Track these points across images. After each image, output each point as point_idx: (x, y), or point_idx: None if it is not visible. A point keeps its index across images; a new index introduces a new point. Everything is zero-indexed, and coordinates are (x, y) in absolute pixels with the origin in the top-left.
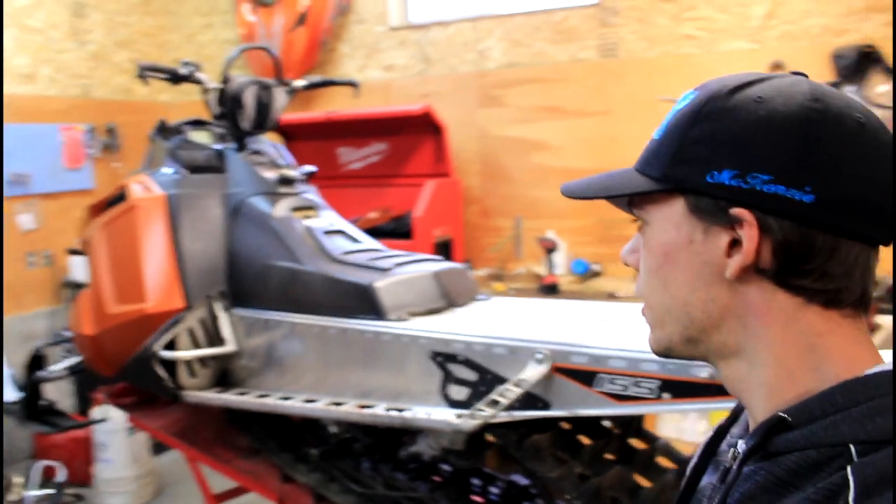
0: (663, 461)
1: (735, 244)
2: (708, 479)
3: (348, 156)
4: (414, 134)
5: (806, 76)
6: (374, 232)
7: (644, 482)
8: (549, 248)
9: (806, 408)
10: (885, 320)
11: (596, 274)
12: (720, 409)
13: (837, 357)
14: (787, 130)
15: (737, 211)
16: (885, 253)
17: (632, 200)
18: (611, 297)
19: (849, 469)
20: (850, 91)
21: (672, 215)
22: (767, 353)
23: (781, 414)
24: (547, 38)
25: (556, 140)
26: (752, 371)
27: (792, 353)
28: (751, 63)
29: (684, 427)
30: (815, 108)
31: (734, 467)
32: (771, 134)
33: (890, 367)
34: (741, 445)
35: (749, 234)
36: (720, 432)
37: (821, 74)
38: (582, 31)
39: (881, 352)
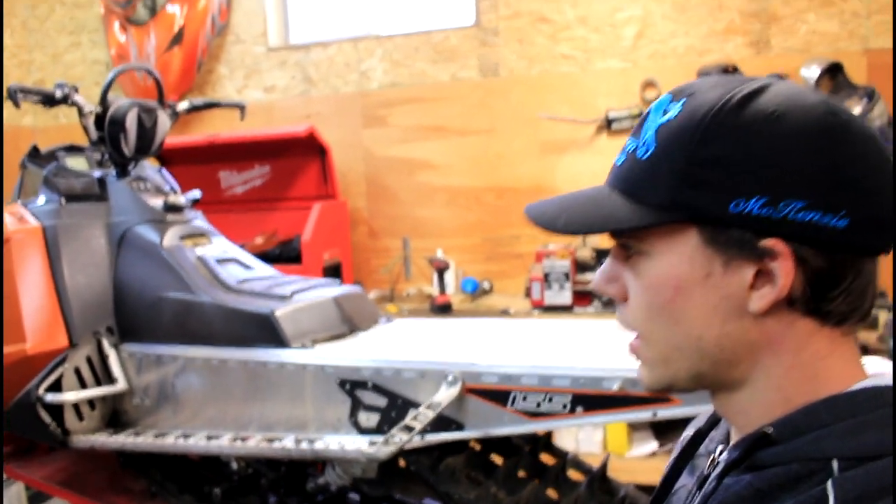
0: (574, 474)
1: (759, 275)
2: (683, 482)
3: (230, 180)
4: (298, 156)
5: (784, 78)
6: (262, 257)
7: (556, 496)
8: (441, 268)
9: (791, 423)
10: None
11: (486, 292)
12: (631, 420)
13: (834, 379)
14: (815, 149)
15: (770, 243)
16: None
17: (622, 230)
18: (504, 313)
19: (829, 483)
20: None
21: (683, 247)
22: (770, 382)
23: (766, 429)
24: (427, 58)
25: (441, 159)
26: (753, 397)
27: (795, 381)
28: (625, 81)
29: (581, 437)
30: (834, 122)
31: (713, 476)
32: (800, 154)
33: (875, 382)
34: (722, 454)
35: (784, 268)
36: (698, 436)
37: None
38: (462, 51)
39: (867, 359)
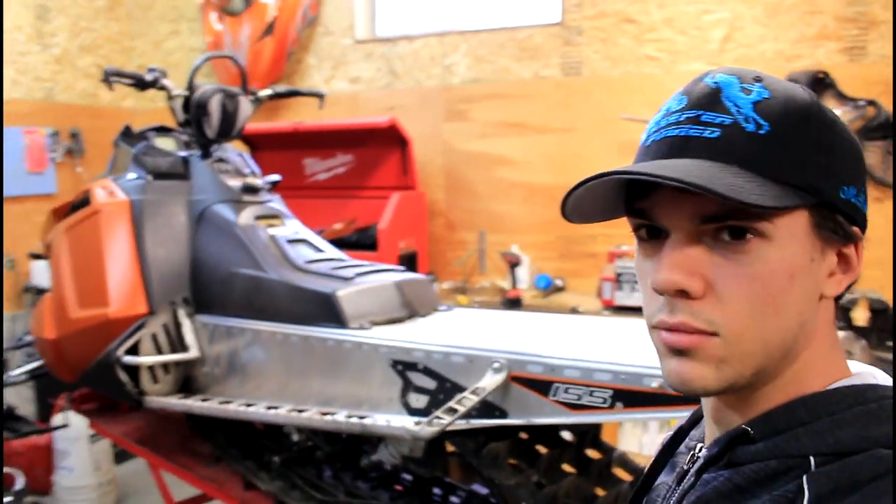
0: (619, 472)
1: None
2: (664, 479)
3: (314, 167)
4: (380, 146)
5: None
6: (339, 243)
7: (600, 491)
8: (513, 263)
9: (770, 420)
10: None
11: (559, 289)
12: (670, 419)
13: (833, 369)
14: (859, 149)
15: (856, 229)
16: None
17: (728, 208)
18: (573, 311)
19: (804, 478)
20: None
21: (798, 230)
22: (796, 373)
23: (745, 426)
24: (511, 55)
25: (520, 155)
26: (773, 391)
27: (814, 371)
28: None
29: (645, 441)
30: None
31: (692, 472)
32: (858, 152)
33: (852, 381)
34: (701, 451)
35: (860, 252)
36: (680, 433)
37: None
38: (545, 49)
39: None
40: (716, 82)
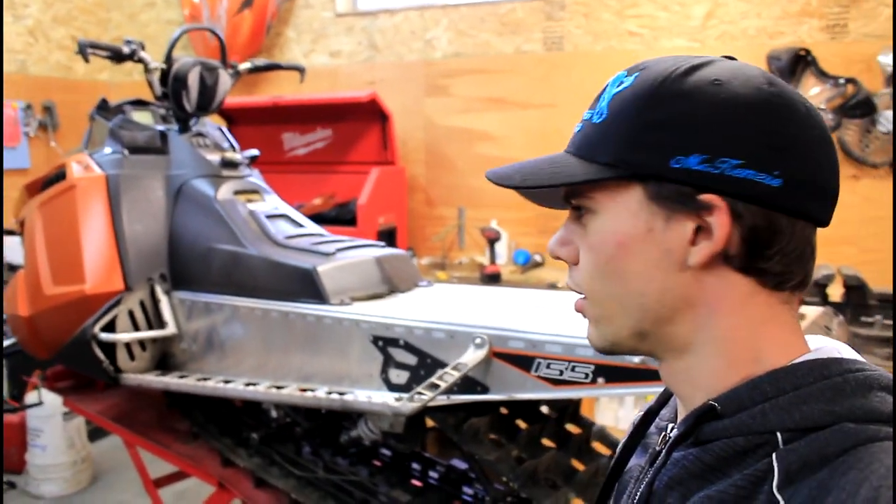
0: (598, 446)
1: (699, 231)
2: (636, 461)
3: (293, 141)
4: (360, 121)
5: (734, 59)
6: (318, 218)
7: (579, 466)
8: (492, 239)
9: (736, 396)
10: (809, 311)
11: (538, 264)
12: (652, 394)
13: (775, 346)
14: (752, 114)
15: (707, 197)
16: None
17: (573, 189)
18: (552, 287)
19: (773, 456)
20: None
21: (627, 203)
22: (714, 345)
23: (711, 402)
24: (493, 30)
25: (501, 131)
26: (698, 363)
27: (738, 344)
28: None
29: (620, 415)
30: (772, 91)
31: (663, 452)
32: (737, 117)
33: (817, 356)
34: (673, 430)
35: (720, 221)
36: (649, 415)
37: None
38: (528, 24)
39: (809, 337)
40: (610, 80)
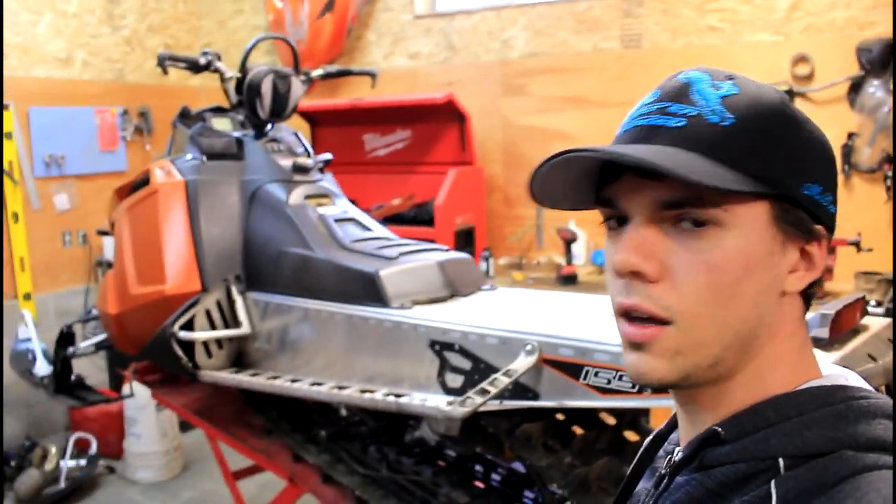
0: None
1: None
2: (644, 485)
3: (374, 142)
4: (438, 122)
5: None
6: (397, 219)
7: None
8: (569, 239)
9: (738, 422)
10: (873, 322)
11: None
12: None
13: (809, 370)
14: (828, 150)
15: (820, 228)
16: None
17: (691, 196)
18: None
19: (772, 483)
20: (875, 85)
21: (757, 222)
22: (758, 370)
23: (714, 427)
24: (570, 28)
25: (579, 130)
26: (735, 389)
27: (780, 370)
28: (775, 55)
29: None
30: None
31: (667, 476)
32: (827, 152)
33: (821, 382)
34: (677, 454)
35: (821, 251)
36: (658, 438)
37: (845, 68)
38: (605, 22)
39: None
40: (687, 78)
